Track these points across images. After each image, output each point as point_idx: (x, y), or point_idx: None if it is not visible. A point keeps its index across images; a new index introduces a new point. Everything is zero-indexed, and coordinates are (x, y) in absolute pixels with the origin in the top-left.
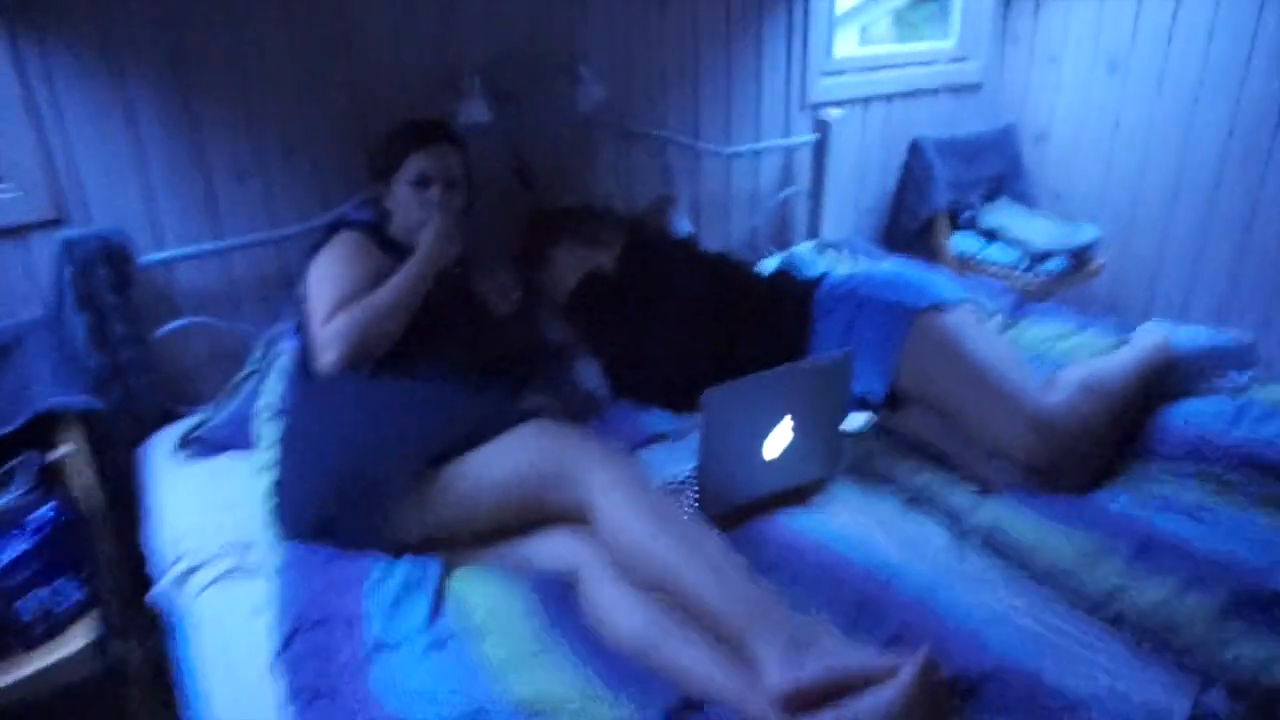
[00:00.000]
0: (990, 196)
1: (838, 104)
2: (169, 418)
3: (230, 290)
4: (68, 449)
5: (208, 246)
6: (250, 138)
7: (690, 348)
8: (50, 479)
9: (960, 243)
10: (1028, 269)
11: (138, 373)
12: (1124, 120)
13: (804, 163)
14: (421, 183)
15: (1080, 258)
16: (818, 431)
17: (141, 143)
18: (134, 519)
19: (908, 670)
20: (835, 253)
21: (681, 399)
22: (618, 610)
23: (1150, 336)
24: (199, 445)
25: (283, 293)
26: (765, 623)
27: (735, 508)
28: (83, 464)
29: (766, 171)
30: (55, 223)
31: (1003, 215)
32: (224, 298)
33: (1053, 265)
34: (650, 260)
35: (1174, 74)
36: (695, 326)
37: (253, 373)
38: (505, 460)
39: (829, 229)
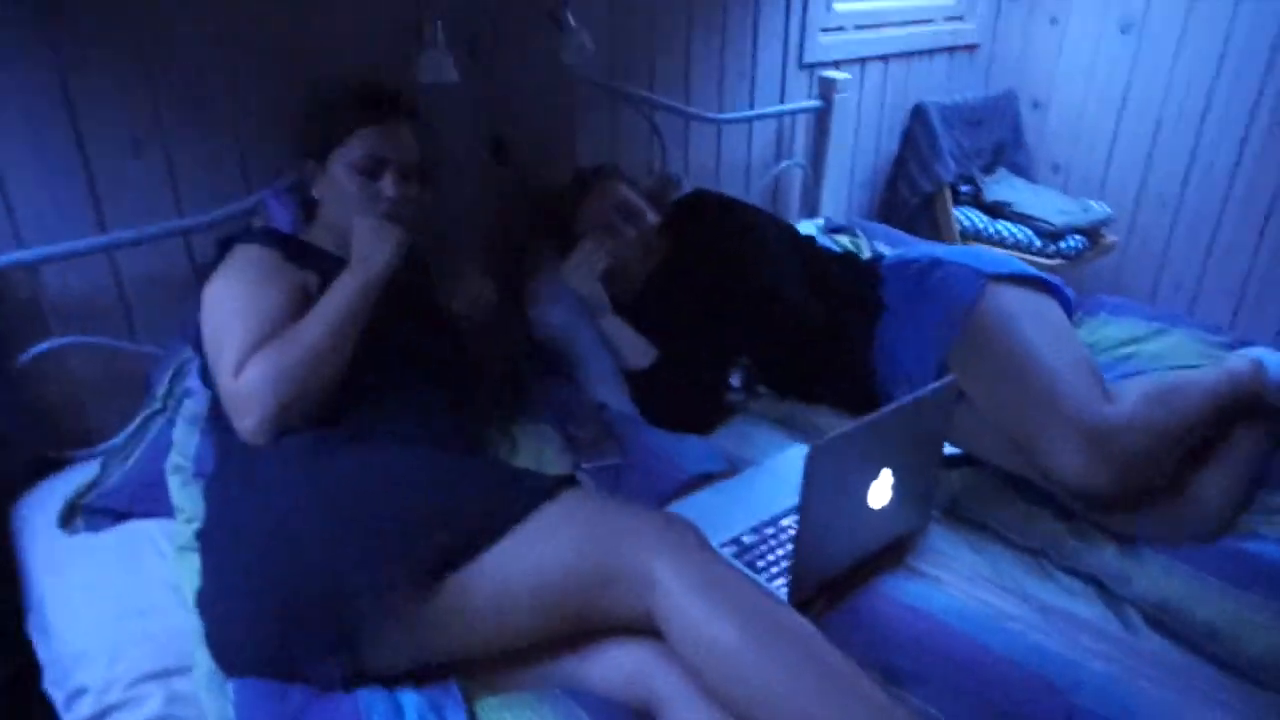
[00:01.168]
0: (989, 169)
1: (835, 64)
2: (48, 466)
3: (119, 299)
4: None
5: (86, 243)
6: (147, 96)
7: (778, 326)
8: None
9: (964, 219)
10: (1042, 249)
11: None
12: (1135, 88)
13: (799, 131)
14: (370, 168)
15: (1092, 236)
16: (915, 472)
17: None
18: (16, 609)
19: None
20: (849, 237)
21: (716, 411)
22: None
23: (1242, 359)
24: (90, 515)
25: (193, 299)
26: None
27: (834, 576)
28: None
29: (760, 141)
30: None
31: (1006, 189)
32: (112, 309)
33: (1070, 244)
34: (721, 231)
35: (1195, 38)
36: (784, 302)
37: (156, 413)
38: (533, 561)
39: (827, 206)
